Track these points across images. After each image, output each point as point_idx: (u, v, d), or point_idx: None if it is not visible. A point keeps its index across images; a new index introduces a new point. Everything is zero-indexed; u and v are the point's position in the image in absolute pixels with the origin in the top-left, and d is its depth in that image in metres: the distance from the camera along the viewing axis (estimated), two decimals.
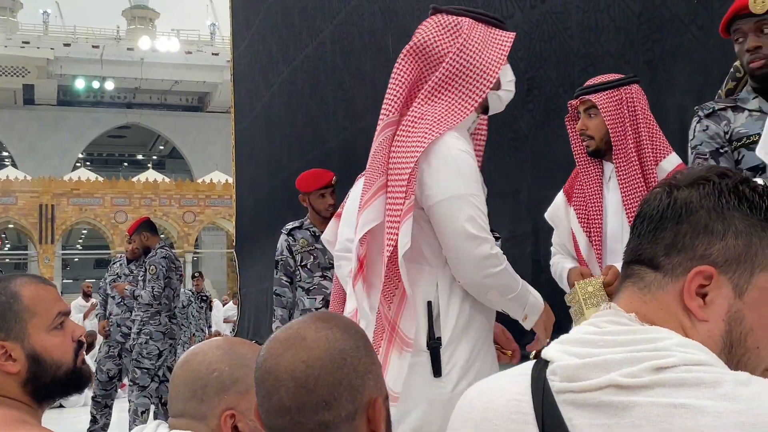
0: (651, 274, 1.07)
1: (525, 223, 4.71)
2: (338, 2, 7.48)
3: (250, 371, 1.41)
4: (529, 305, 2.41)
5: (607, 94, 3.03)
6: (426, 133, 2.26)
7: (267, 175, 10.31)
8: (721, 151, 2.61)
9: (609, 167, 3.12)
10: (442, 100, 2.33)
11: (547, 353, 1.07)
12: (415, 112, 2.32)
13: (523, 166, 4.79)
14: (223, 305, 17.27)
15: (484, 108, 2.45)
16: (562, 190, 3.30)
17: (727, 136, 2.64)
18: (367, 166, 2.32)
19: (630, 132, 3.01)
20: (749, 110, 2.66)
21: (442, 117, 2.30)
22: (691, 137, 2.70)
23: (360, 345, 1.24)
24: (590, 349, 1.02)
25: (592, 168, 3.13)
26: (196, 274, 13.79)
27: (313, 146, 8.21)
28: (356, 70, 7.06)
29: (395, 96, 2.34)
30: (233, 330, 13.07)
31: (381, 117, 2.33)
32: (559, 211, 3.26)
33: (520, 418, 1.03)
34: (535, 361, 1.10)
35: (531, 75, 4.64)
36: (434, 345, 2.25)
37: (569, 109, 3.24)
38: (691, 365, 0.96)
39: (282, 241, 4.92)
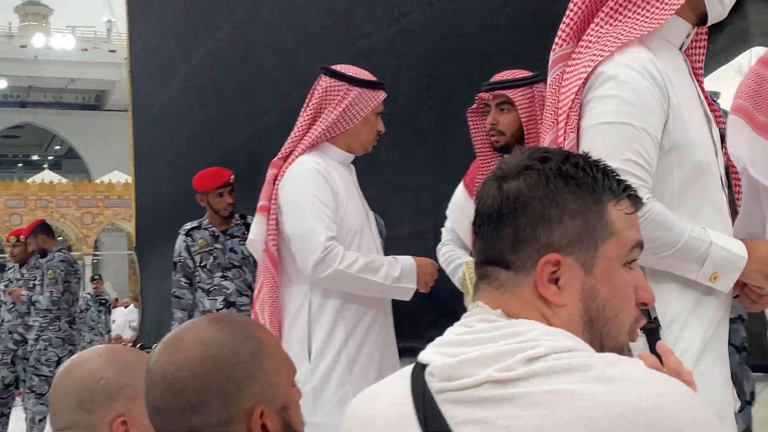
0: (504, 273, 1.11)
1: (427, 219, 4.73)
2: None
3: (137, 375, 1.39)
4: None
5: (522, 90, 3.06)
6: (596, 53, 1.78)
7: (167, 175, 10.09)
8: None
9: None
10: (630, 15, 1.84)
11: (422, 356, 1.09)
12: (592, 35, 1.85)
13: (424, 163, 4.80)
14: (125, 308, 16.85)
15: (700, 17, 1.96)
16: (462, 183, 3.31)
17: None
18: (543, 119, 1.93)
19: (538, 130, 3.05)
20: None
21: (626, 30, 1.81)
22: None
23: (244, 351, 1.20)
24: (463, 348, 1.04)
25: (494, 163, 3.15)
26: (96, 277, 13.42)
27: (214, 145, 8.07)
28: (257, 68, 6.96)
29: (572, 18, 1.87)
30: (135, 334, 12.76)
31: (553, 49, 1.89)
32: (460, 204, 3.28)
33: (402, 421, 1.04)
34: (413, 365, 1.10)
35: (431, 72, 4.65)
36: (651, 326, 1.85)
37: (477, 101, 3.22)
38: (560, 352, 0.99)
39: (180, 241, 4.83)
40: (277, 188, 2.84)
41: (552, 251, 1.08)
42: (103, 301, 12.85)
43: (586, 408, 0.92)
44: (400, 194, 4.87)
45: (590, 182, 1.10)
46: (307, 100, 2.92)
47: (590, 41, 1.83)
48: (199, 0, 8.51)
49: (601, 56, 1.77)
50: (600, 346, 1.09)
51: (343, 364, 2.74)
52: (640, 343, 1.74)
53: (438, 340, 1.12)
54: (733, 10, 3.49)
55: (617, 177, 1.14)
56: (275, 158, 2.89)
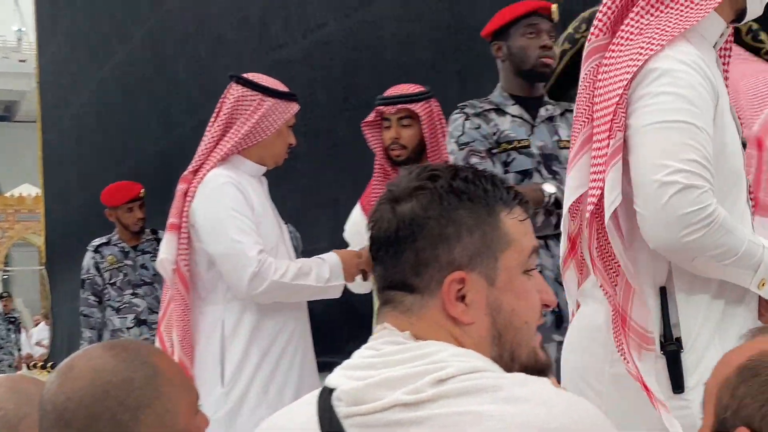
0: (409, 297, 1.08)
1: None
2: (148, 8, 7.22)
3: (36, 405, 1.31)
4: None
5: (423, 104, 3.05)
6: (644, 47, 1.65)
7: (78, 188, 9.83)
8: (493, 151, 2.66)
9: None
10: (672, 6, 1.70)
11: (329, 380, 1.07)
12: (632, 26, 1.71)
13: (341, 175, 4.77)
14: (35, 326, 16.34)
15: (738, 13, 1.79)
16: (358, 204, 3.25)
17: (495, 138, 2.70)
18: (575, 113, 1.77)
19: (438, 144, 3.04)
20: (512, 115, 2.75)
21: (669, 24, 1.67)
22: (459, 133, 2.71)
23: (138, 377, 1.14)
24: (370, 372, 1.02)
25: (383, 180, 3.12)
26: (5, 294, 13.00)
27: (126, 157, 7.89)
28: (170, 79, 6.84)
29: (609, 8, 1.73)
30: (46, 353, 12.37)
31: (588, 40, 1.77)
32: (358, 228, 3.21)
33: None
34: (321, 389, 1.08)
35: (347, 83, 4.63)
36: (671, 347, 1.64)
37: (375, 114, 3.17)
38: (469, 373, 0.98)
39: (88, 258, 4.68)
40: (188, 205, 2.74)
41: (455, 269, 1.07)
42: (12, 319, 12.42)
43: (494, 429, 0.92)
44: (317, 207, 4.83)
45: (482, 195, 1.10)
46: (216, 110, 2.82)
47: (631, 32, 1.70)
48: (109, 9, 8.32)
49: (651, 50, 1.64)
50: (511, 357, 1.08)
51: (258, 386, 2.67)
52: (660, 364, 1.63)
53: (345, 363, 1.09)
54: None
55: (506, 185, 1.13)
56: (185, 172, 2.80)
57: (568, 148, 2.67)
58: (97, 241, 4.76)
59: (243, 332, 2.68)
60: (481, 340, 1.07)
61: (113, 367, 1.14)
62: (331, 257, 2.79)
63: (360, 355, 1.09)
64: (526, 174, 2.64)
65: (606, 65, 1.68)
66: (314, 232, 4.66)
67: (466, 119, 2.74)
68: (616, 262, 1.64)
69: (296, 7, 4.96)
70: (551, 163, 2.69)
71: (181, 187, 2.77)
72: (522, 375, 1.01)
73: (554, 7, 2.84)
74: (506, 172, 2.65)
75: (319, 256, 2.80)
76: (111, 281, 4.63)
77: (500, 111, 2.76)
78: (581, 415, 0.95)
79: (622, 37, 1.69)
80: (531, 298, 1.12)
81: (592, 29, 1.74)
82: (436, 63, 4.12)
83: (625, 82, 1.62)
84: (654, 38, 1.64)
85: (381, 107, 3.10)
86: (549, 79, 3.05)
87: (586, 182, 1.69)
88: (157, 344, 2.80)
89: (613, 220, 1.63)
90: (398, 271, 1.09)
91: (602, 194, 1.62)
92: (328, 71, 4.70)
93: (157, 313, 4.49)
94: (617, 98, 1.62)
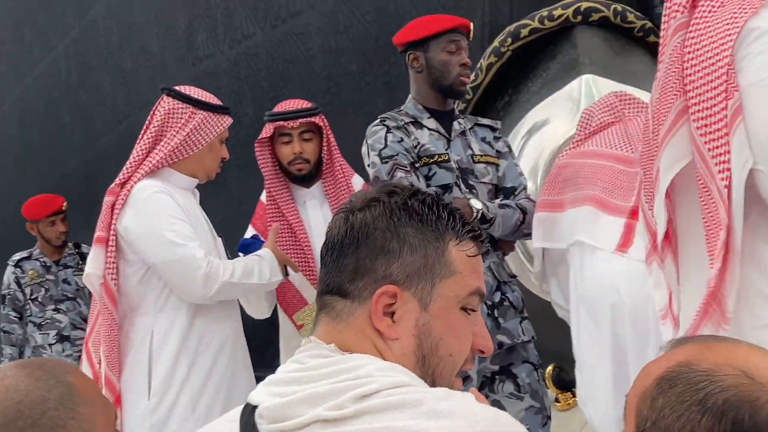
0: (341, 303, 1.08)
1: None
2: (72, 17, 7.08)
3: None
4: None
5: (320, 118, 3.03)
6: (736, 12, 1.61)
7: None
8: (416, 165, 2.67)
9: (302, 192, 3.08)
10: None
11: (252, 397, 1.05)
12: (711, 2, 1.69)
13: None
14: None
15: None
16: (251, 226, 3.18)
17: (416, 151, 2.69)
18: (654, 93, 1.73)
19: (333, 156, 3.05)
20: (429, 128, 2.74)
21: None
22: (381, 146, 2.67)
23: (53, 397, 1.11)
24: (294, 387, 1.01)
25: (286, 193, 3.06)
26: None
27: (48, 170, 7.70)
28: (94, 89, 6.71)
29: None
30: None
31: (665, 21, 1.73)
32: None
33: None
34: (243, 405, 1.06)
35: (275, 95, 4.60)
36: None
37: (276, 130, 3.04)
38: (393, 388, 0.97)
39: (8, 273, 4.56)
40: (116, 218, 2.67)
41: (389, 283, 1.06)
42: None
43: None
44: (246, 218, 4.78)
45: (434, 219, 1.09)
46: (147, 122, 2.76)
47: (712, 6, 1.67)
48: (31, 18, 8.13)
49: (746, 13, 1.59)
50: (432, 385, 1.07)
51: (186, 399, 2.61)
52: None
53: (269, 378, 1.07)
54: (564, 39, 3.66)
55: (463, 219, 1.13)
56: (112, 185, 2.74)
57: (482, 162, 2.73)
58: (17, 256, 4.64)
59: (171, 344, 2.63)
60: (403, 357, 1.06)
61: (26, 386, 1.10)
62: (267, 254, 2.78)
63: (285, 369, 1.08)
64: (446, 188, 2.64)
65: (693, 38, 1.65)
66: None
67: (388, 132, 2.70)
68: (716, 234, 1.59)
69: (222, 18, 4.92)
70: (468, 177, 2.69)
71: (108, 199, 2.70)
72: (445, 390, 1.00)
73: (471, 25, 2.85)
74: (428, 186, 2.65)
75: (256, 253, 2.78)
76: (32, 296, 4.51)
77: (418, 124, 2.74)
78: (503, 428, 0.95)
79: (704, 11, 1.65)
80: (462, 335, 1.10)
81: (675, 8, 1.70)
82: (365, 75, 4.13)
83: (731, 43, 1.58)
84: (744, 4, 1.61)
85: (281, 122, 3.01)
86: (462, 96, 3.08)
87: (687, 152, 1.64)
88: (84, 360, 2.74)
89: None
90: (337, 275, 1.09)
91: (729, 168, 1.55)
92: (256, 82, 4.68)
93: (80, 329, 4.40)
94: (727, 59, 1.57)
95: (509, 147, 2.88)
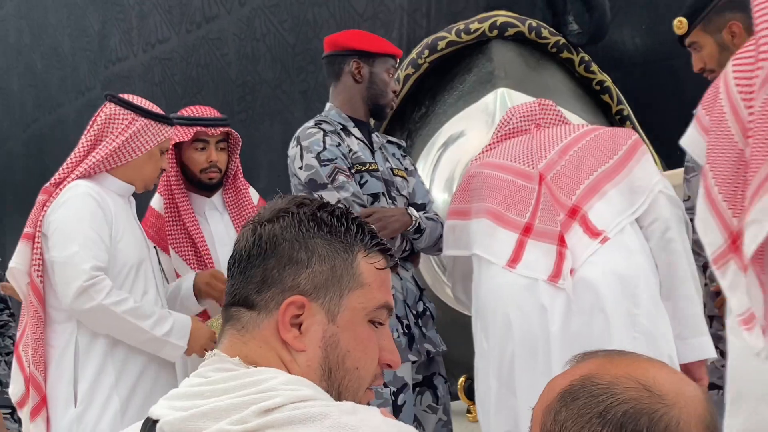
0: (247, 314, 1.06)
1: None
2: None
3: None
4: None
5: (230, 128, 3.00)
6: None
7: None
8: (352, 171, 2.65)
9: (202, 201, 2.99)
10: None
11: (153, 411, 1.02)
12: None
13: None
14: None
15: None
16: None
17: (349, 159, 2.67)
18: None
19: (237, 167, 3.02)
20: (356, 137, 2.74)
21: None
22: (319, 149, 2.64)
23: None
24: (197, 401, 0.99)
25: (188, 201, 2.96)
26: None
27: None
28: (2, 90, 6.48)
29: None
30: None
31: (760, 64, 1.74)
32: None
33: None
34: (144, 420, 1.04)
35: (188, 101, 4.52)
36: None
37: (192, 137, 2.93)
38: (298, 402, 0.96)
39: None
40: (45, 214, 2.60)
41: (297, 294, 1.05)
42: None
43: None
44: None
45: (343, 231, 1.09)
46: (88, 126, 2.71)
47: None
48: None
49: None
50: (337, 397, 1.06)
51: (115, 408, 2.53)
52: None
53: (171, 392, 1.05)
54: (480, 52, 3.70)
55: (372, 232, 1.13)
56: (47, 184, 2.67)
57: (399, 176, 2.75)
58: None
59: (97, 351, 2.54)
60: (309, 370, 1.05)
61: None
62: (182, 317, 2.65)
63: (188, 383, 1.05)
64: (376, 197, 2.63)
65: None
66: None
67: (325, 135, 2.66)
68: None
69: (137, 21, 4.82)
70: (390, 188, 2.71)
71: (41, 197, 2.64)
72: (351, 404, 1.00)
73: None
74: None
75: (170, 311, 2.70)
76: None
77: (346, 131, 2.73)
78: None
79: None
80: (370, 349, 1.10)
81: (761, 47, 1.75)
82: (282, 83, 4.10)
83: None
84: None
85: (201, 128, 2.93)
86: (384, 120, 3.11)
87: None
88: (15, 365, 2.65)
89: None
90: (244, 287, 1.07)
91: None
92: (170, 87, 4.59)
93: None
94: None
95: (414, 166, 2.92)
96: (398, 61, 2.84)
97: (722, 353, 2.67)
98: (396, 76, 2.81)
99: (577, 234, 2.28)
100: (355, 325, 1.08)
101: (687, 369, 2.27)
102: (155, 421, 1.01)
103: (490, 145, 2.61)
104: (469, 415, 3.51)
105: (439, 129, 3.55)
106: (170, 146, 2.75)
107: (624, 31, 3.92)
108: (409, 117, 3.78)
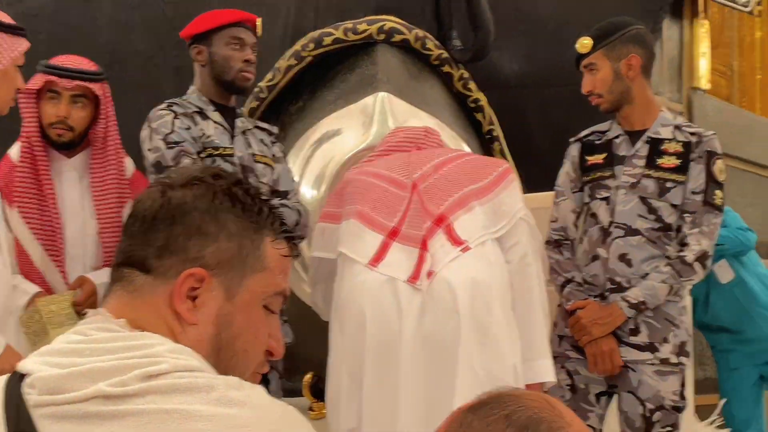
0: (142, 277, 1.05)
1: None
2: None
3: None
4: None
5: (101, 85, 2.83)
6: None
7: None
8: (202, 155, 2.64)
9: (61, 162, 2.81)
10: None
11: (23, 365, 0.98)
12: None
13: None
14: None
15: None
16: None
17: (201, 141, 2.67)
18: None
19: (108, 134, 2.83)
20: (214, 121, 2.74)
21: None
22: (167, 131, 2.62)
23: None
24: (75, 359, 0.95)
25: (46, 157, 2.76)
26: None
27: None
28: None
29: None
30: None
31: None
32: None
33: None
34: (9, 374, 0.99)
35: None
36: None
37: (45, 84, 2.82)
38: (183, 371, 0.95)
39: None
40: None
41: (199, 266, 1.04)
42: None
43: (201, 430, 0.89)
44: None
45: (255, 211, 1.09)
46: None
47: None
48: None
49: None
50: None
51: None
52: None
53: (44, 348, 1.01)
54: (365, 54, 3.69)
55: (281, 218, 1.14)
56: None
57: (261, 162, 2.78)
58: None
59: None
60: (198, 344, 1.03)
61: None
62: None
63: (65, 340, 1.00)
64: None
65: None
66: None
67: (175, 117, 2.66)
68: None
69: None
70: (248, 175, 2.71)
71: None
72: (237, 379, 0.98)
73: (259, 21, 2.86)
74: None
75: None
76: None
77: (203, 115, 2.73)
78: (294, 424, 0.96)
79: None
80: (260, 334, 1.09)
81: None
82: (154, 56, 3.95)
83: None
84: None
85: (53, 77, 2.76)
86: (247, 93, 3.10)
87: None
88: None
89: None
90: (143, 249, 1.05)
91: None
92: (34, 47, 4.30)
93: None
94: None
95: (284, 153, 2.96)
96: (253, 27, 2.80)
97: (568, 372, 2.81)
98: (250, 44, 2.77)
99: (440, 240, 2.36)
100: (251, 307, 1.07)
101: (528, 389, 2.37)
102: (23, 376, 0.96)
103: (369, 158, 2.68)
104: (312, 413, 3.50)
105: (315, 125, 3.53)
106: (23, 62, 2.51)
107: (503, 55, 4.03)
108: (285, 108, 3.74)
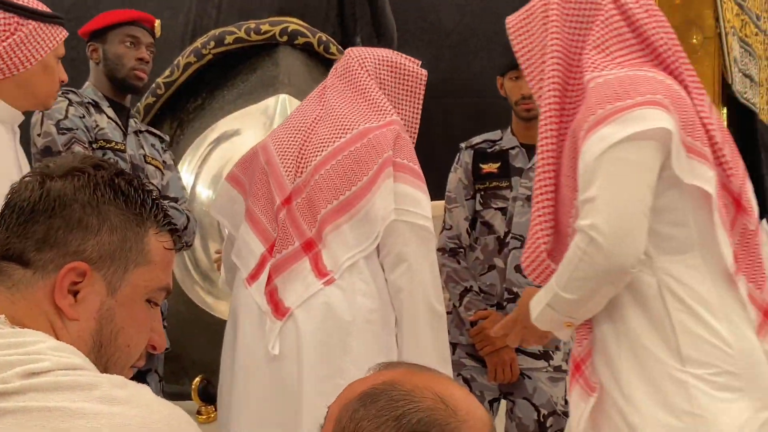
0: (20, 271, 1.02)
1: None
2: None
3: None
4: None
5: None
6: None
7: None
8: (94, 145, 2.62)
9: None
10: None
11: None
12: None
13: None
14: None
15: None
16: None
17: (94, 133, 2.67)
18: None
19: None
20: (107, 116, 2.74)
21: None
22: (60, 117, 2.58)
23: None
24: None
25: None
26: None
27: None
28: None
29: None
30: None
31: None
32: None
33: None
34: None
35: None
36: None
37: None
38: (66, 369, 0.93)
39: None
40: None
41: (81, 260, 1.01)
42: None
43: (85, 428, 0.87)
44: None
45: (139, 203, 1.06)
46: None
47: None
48: None
49: None
50: (104, 372, 1.02)
51: None
52: None
53: None
54: (267, 55, 3.66)
55: (165, 210, 1.12)
56: None
57: (152, 164, 2.78)
58: None
59: None
60: (80, 341, 1.01)
61: None
62: None
63: None
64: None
65: None
66: None
67: (70, 104, 2.62)
68: None
69: None
70: (138, 173, 2.69)
71: None
72: (122, 378, 0.96)
73: (158, 22, 2.87)
74: None
75: None
76: None
77: (98, 108, 2.73)
78: (180, 423, 0.95)
79: None
80: (143, 328, 1.08)
81: None
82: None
83: None
84: None
85: None
86: (140, 92, 3.08)
87: None
88: None
89: None
90: (20, 241, 1.01)
91: None
92: None
93: None
94: None
95: (174, 161, 2.97)
96: (150, 27, 2.82)
97: (465, 380, 2.83)
98: (145, 43, 2.78)
99: (304, 271, 2.24)
100: (134, 302, 1.06)
101: None
102: None
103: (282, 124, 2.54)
104: (200, 416, 3.43)
105: (213, 124, 3.50)
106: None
107: None
108: (183, 106, 3.68)
